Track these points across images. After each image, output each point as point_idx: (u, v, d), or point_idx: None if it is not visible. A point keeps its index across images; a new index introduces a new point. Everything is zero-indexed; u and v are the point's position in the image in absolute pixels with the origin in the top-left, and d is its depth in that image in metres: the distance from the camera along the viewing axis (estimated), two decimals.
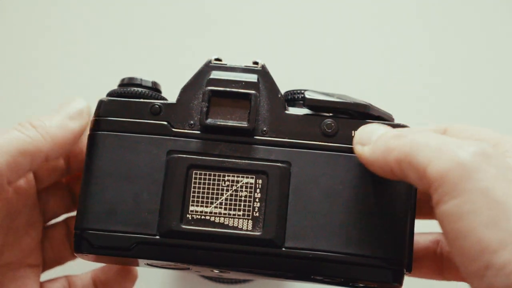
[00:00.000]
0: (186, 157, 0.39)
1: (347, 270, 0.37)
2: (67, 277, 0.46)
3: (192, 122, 0.40)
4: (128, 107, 0.41)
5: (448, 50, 0.64)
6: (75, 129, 0.41)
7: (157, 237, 0.38)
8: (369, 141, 0.38)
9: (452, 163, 0.32)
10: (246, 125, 0.40)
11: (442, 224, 0.33)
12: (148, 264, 0.40)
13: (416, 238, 0.41)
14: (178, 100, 0.41)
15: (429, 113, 0.62)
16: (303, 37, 0.64)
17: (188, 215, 0.38)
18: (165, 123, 0.40)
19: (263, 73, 0.41)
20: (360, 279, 0.38)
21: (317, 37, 0.65)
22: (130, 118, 0.41)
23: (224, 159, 0.39)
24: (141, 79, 0.42)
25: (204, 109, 0.40)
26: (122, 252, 0.38)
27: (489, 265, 0.30)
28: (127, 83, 0.42)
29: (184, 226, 0.38)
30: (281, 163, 0.39)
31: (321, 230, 0.38)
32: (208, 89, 0.40)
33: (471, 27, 0.65)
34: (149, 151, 0.40)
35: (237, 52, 0.64)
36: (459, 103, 0.63)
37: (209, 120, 0.40)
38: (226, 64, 0.42)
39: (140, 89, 0.42)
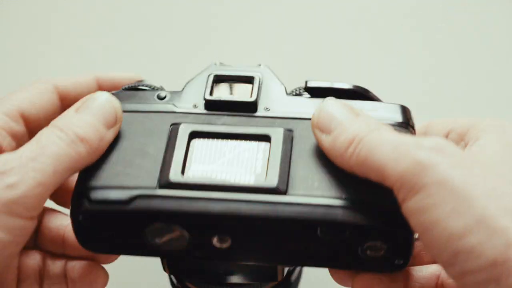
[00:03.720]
0: (188, 125, 0.40)
1: (352, 216, 0.36)
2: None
3: (196, 103, 0.41)
4: (136, 95, 0.42)
5: (446, 44, 0.65)
6: (110, 140, 0.39)
7: (157, 189, 0.37)
8: (328, 129, 0.37)
9: (407, 163, 0.33)
10: (249, 99, 0.41)
11: (409, 220, 0.33)
12: (147, 247, 0.39)
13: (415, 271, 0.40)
14: (183, 89, 0.42)
15: (430, 108, 0.63)
16: (305, 41, 0.65)
17: (189, 171, 0.38)
18: (170, 105, 0.41)
19: (267, 70, 0.43)
20: (365, 225, 0.36)
21: (318, 39, 0.65)
22: (138, 103, 0.42)
23: (227, 127, 0.40)
24: (148, 81, 0.44)
25: (208, 88, 0.41)
26: (120, 206, 0.37)
27: (457, 252, 0.31)
28: (136, 83, 0.44)
29: (184, 178, 0.37)
30: (284, 129, 0.39)
31: (325, 182, 0.37)
32: (213, 74, 0.42)
33: (468, 19, 0.66)
34: (153, 123, 0.40)
35: (240, 57, 0.64)
36: (456, 94, 0.63)
37: (212, 96, 0.41)
38: (230, 65, 0.43)
39: (149, 84, 0.44)
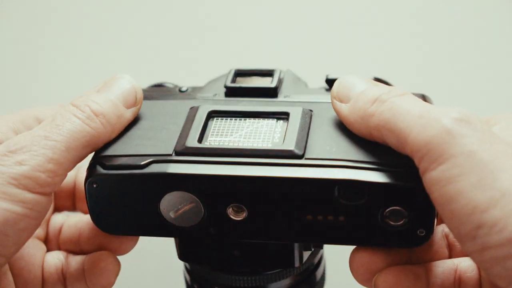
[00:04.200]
0: (207, 106, 0.40)
1: (370, 175, 0.35)
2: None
3: (216, 93, 0.42)
4: (160, 89, 0.44)
5: (449, 43, 0.65)
6: (129, 119, 0.39)
7: (173, 156, 0.37)
8: (347, 98, 0.37)
9: (436, 131, 0.32)
10: (270, 85, 0.41)
11: (431, 191, 0.32)
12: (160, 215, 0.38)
13: None
14: (204, 85, 0.43)
15: None
16: (305, 42, 0.65)
17: (206, 141, 0.38)
18: (191, 95, 0.42)
19: (289, 70, 0.44)
20: (384, 183, 0.35)
21: (319, 39, 0.65)
22: (161, 93, 0.43)
23: (246, 107, 0.40)
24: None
25: (230, 79, 0.42)
26: (135, 170, 0.36)
27: (480, 225, 0.30)
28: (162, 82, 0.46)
29: (200, 145, 0.37)
30: (303, 108, 0.39)
31: (343, 147, 0.36)
32: (235, 68, 0.43)
33: (473, 19, 0.66)
34: (173, 107, 0.41)
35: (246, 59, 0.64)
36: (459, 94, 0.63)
37: (232, 84, 0.42)
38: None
39: (173, 83, 0.45)
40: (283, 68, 0.44)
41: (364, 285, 0.38)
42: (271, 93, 0.41)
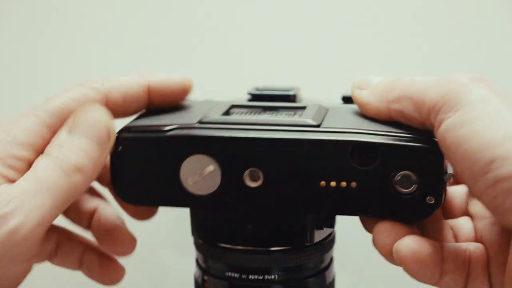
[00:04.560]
0: (228, 102, 0.43)
1: (382, 139, 0.38)
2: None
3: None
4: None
5: (448, 45, 0.65)
6: (102, 163, 0.39)
7: (196, 123, 0.40)
8: (368, 86, 0.41)
9: (454, 84, 0.35)
10: (290, 92, 0.45)
11: (445, 138, 0.35)
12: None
13: None
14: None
15: None
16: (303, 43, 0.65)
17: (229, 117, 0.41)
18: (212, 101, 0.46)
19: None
20: (395, 144, 0.37)
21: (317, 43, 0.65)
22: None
23: (266, 104, 0.43)
24: None
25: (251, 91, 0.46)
26: (159, 134, 0.39)
27: (493, 159, 0.32)
28: None
29: (223, 117, 0.40)
30: (319, 104, 0.43)
31: (356, 123, 0.39)
32: (256, 86, 0.47)
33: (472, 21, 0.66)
34: (196, 105, 0.44)
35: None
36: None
37: (256, 92, 0.45)
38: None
39: None
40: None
41: (386, 257, 0.39)
42: (291, 99, 0.45)
